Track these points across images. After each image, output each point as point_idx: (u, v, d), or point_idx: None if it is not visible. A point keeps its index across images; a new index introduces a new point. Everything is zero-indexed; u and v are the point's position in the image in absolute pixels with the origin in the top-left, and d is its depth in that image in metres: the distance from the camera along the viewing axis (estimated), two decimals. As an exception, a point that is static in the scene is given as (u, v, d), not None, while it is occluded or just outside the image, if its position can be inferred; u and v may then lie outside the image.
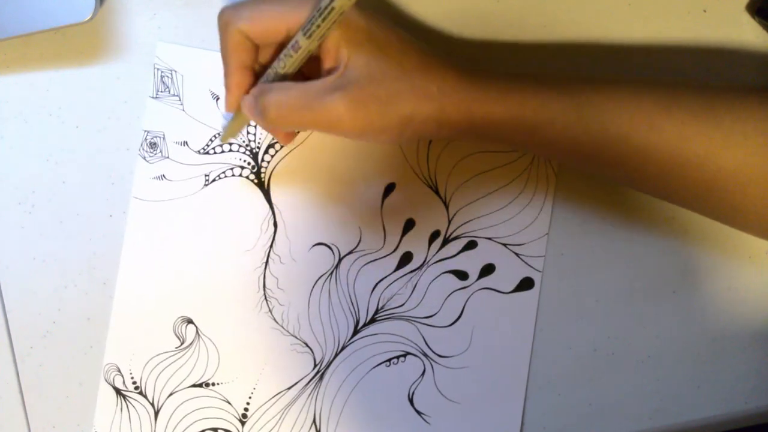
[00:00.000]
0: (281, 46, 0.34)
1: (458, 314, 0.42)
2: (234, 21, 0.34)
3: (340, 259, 0.41)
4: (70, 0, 0.40)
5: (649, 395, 0.41)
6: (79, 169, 0.42)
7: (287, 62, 0.34)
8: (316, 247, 0.41)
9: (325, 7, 0.30)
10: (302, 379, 0.41)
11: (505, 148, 0.41)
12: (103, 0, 0.42)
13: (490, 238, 0.42)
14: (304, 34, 0.32)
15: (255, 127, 0.42)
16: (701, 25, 0.42)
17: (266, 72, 0.35)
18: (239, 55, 0.35)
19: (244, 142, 0.42)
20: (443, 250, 0.42)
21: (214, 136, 0.42)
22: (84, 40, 0.42)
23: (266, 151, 0.42)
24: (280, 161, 0.42)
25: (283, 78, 0.35)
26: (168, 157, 0.42)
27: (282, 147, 0.42)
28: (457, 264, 0.42)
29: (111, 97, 0.42)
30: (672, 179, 0.34)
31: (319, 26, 0.31)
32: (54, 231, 0.42)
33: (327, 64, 0.34)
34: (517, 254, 0.42)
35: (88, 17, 0.41)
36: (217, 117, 0.42)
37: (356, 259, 0.41)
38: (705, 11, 0.42)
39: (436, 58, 0.35)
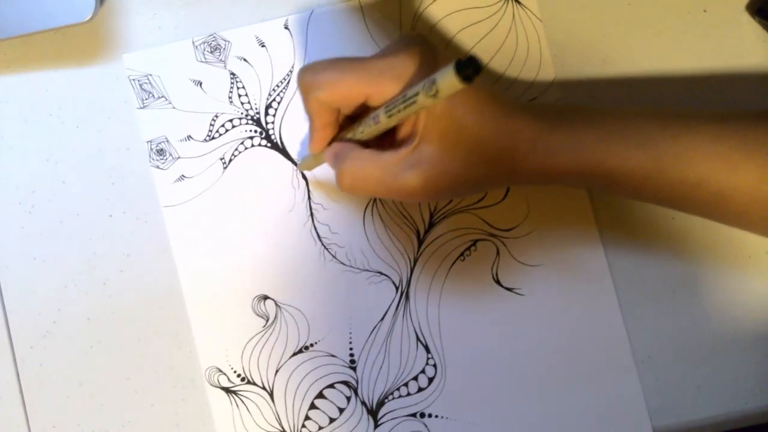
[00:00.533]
0: (362, 106, 0.35)
1: (506, 187, 0.42)
2: (313, 90, 0.35)
3: None
4: (70, 0, 0.41)
5: (649, 395, 0.41)
6: (79, 169, 0.42)
7: (366, 131, 0.35)
8: None
9: (409, 98, 0.31)
10: (390, 305, 0.42)
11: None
12: (103, 0, 0.42)
13: None
14: (386, 113, 0.32)
15: (247, 95, 0.42)
16: (701, 25, 0.42)
17: (346, 130, 0.36)
18: (321, 117, 0.36)
19: (242, 113, 0.42)
20: None
21: (214, 117, 0.42)
22: (84, 40, 0.42)
23: (266, 113, 0.42)
24: (282, 117, 0.42)
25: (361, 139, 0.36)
26: (179, 157, 0.42)
27: (280, 104, 0.42)
28: None
29: (111, 97, 0.42)
30: (753, 217, 0.34)
31: (400, 111, 0.32)
32: (54, 231, 0.42)
33: (403, 131, 0.34)
34: None
35: (88, 17, 0.41)
36: (206, 99, 0.42)
37: None
38: (705, 11, 0.42)
39: (511, 121, 0.34)
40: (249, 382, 0.42)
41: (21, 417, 0.42)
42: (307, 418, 0.41)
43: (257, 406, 0.41)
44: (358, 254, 0.42)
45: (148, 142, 0.42)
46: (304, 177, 0.42)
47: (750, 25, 0.42)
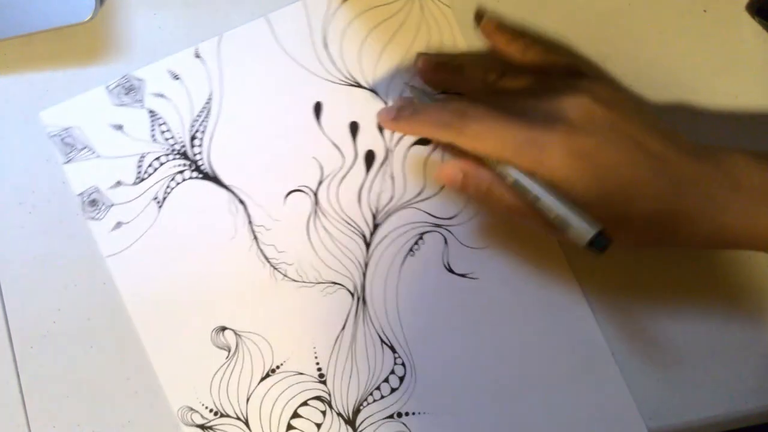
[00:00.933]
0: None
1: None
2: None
3: (315, 194, 0.42)
4: (70, 0, 0.41)
5: (649, 395, 0.41)
6: (79, 169, 0.42)
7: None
8: (288, 197, 0.42)
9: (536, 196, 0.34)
10: (349, 313, 0.42)
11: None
12: (103, 0, 0.42)
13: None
14: (514, 184, 0.34)
15: (169, 130, 0.42)
16: (701, 25, 0.42)
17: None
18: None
19: (167, 149, 0.42)
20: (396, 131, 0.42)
21: (140, 158, 0.42)
22: (84, 40, 0.42)
23: (192, 145, 0.42)
24: (209, 146, 0.42)
25: None
26: (113, 204, 0.42)
27: (204, 133, 0.41)
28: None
29: (111, 97, 0.42)
30: None
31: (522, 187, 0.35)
32: (54, 231, 0.42)
33: None
34: None
35: (88, 17, 0.41)
36: (129, 141, 0.42)
37: (328, 186, 0.42)
38: (705, 11, 0.42)
39: (679, 155, 0.31)
40: (223, 415, 0.41)
41: (21, 417, 0.42)
42: None
43: None
44: (309, 268, 0.42)
45: (79, 194, 0.42)
46: (240, 201, 0.41)
47: (750, 25, 0.42)
